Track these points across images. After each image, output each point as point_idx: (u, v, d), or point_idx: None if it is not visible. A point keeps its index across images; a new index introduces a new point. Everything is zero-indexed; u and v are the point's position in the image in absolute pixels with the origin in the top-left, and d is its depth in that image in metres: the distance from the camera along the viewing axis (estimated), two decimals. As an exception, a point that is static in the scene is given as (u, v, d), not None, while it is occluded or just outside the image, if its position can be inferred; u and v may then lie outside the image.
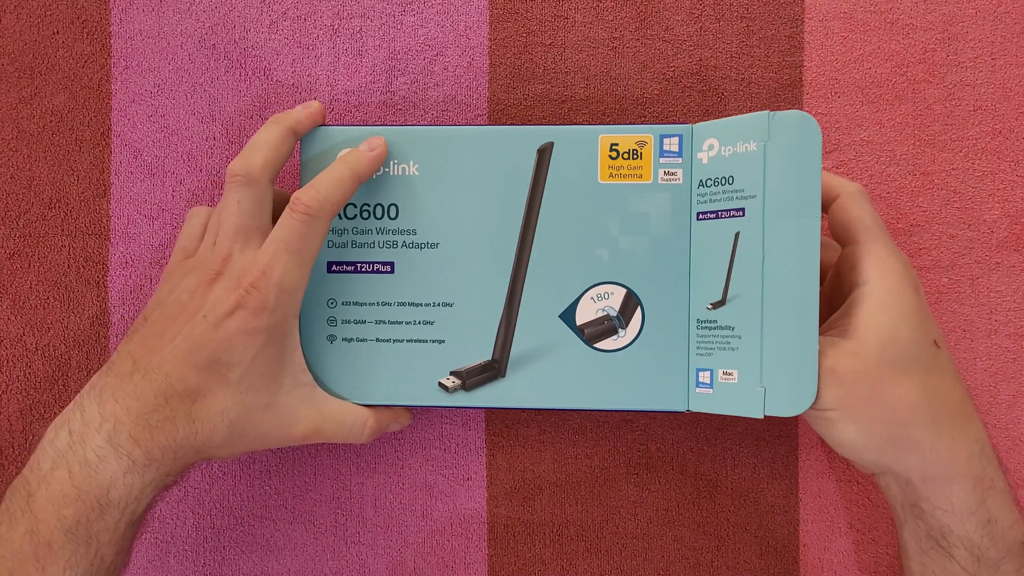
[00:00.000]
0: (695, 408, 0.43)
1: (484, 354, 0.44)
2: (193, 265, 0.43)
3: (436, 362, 0.44)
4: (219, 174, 0.49)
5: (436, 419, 0.49)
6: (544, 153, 0.44)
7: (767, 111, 0.41)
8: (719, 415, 0.49)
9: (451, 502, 0.50)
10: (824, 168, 0.49)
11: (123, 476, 0.39)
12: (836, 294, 0.43)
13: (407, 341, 0.44)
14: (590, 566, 0.50)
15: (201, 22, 0.49)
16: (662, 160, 0.43)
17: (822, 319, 0.43)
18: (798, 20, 0.49)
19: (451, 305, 0.44)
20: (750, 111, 0.49)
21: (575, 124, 0.47)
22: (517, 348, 0.44)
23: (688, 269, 0.43)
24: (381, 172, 0.44)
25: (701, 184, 0.43)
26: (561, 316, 0.44)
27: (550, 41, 0.49)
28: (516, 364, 0.44)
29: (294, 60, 0.49)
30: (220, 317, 0.40)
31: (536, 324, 0.44)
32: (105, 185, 0.49)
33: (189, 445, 0.40)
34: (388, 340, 0.44)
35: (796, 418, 0.49)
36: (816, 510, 0.49)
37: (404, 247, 0.44)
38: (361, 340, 0.44)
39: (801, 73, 0.49)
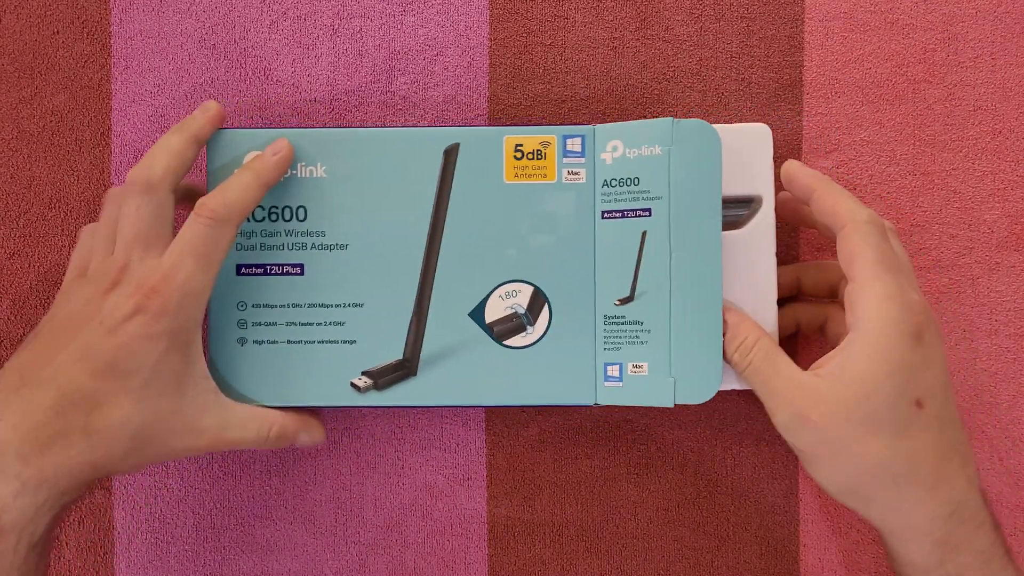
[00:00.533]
0: (603, 401, 0.44)
1: (395, 353, 0.45)
2: (88, 279, 0.41)
3: (348, 362, 0.44)
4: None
5: (436, 419, 0.49)
6: (450, 154, 0.44)
7: (671, 118, 0.44)
8: (719, 415, 0.49)
9: (451, 502, 0.50)
10: (824, 168, 0.49)
11: (13, 500, 0.37)
12: (841, 328, 0.42)
13: (318, 342, 0.45)
14: (590, 566, 0.50)
15: (201, 22, 0.49)
16: (566, 160, 0.44)
17: (820, 348, 0.43)
18: (798, 20, 0.49)
19: (361, 306, 0.45)
20: (750, 111, 0.49)
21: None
22: (428, 347, 0.45)
23: (594, 266, 0.44)
24: (289, 174, 0.44)
25: (605, 184, 0.44)
26: (470, 315, 0.45)
27: (550, 41, 0.49)
28: (427, 363, 0.45)
29: (294, 60, 0.49)
30: (118, 321, 0.39)
31: (446, 323, 0.45)
32: (105, 185, 0.49)
33: (86, 461, 0.38)
34: (299, 342, 0.44)
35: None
36: (816, 510, 0.49)
37: (313, 249, 0.44)
38: (272, 342, 0.44)
39: (801, 73, 0.49)
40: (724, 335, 0.42)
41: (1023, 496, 0.49)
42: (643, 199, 0.43)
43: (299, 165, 0.44)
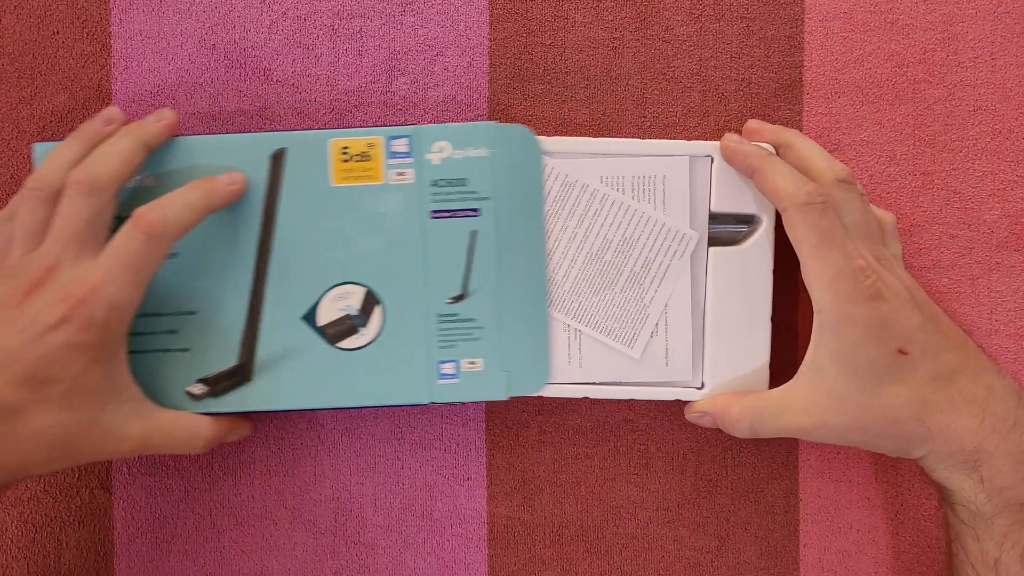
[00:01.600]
0: (439, 399, 0.45)
1: (230, 360, 0.45)
2: (5, 272, 0.40)
3: (183, 370, 0.45)
4: (219, 174, 0.49)
5: (436, 419, 0.49)
6: (277, 159, 0.45)
7: (495, 122, 0.45)
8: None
9: (451, 502, 0.50)
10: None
11: None
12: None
13: (152, 351, 0.45)
14: (590, 566, 0.50)
15: (201, 22, 0.49)
16: (392, 161, 0.45)
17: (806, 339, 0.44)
18: (798, 20, 0.49)
19: (194, 313, 0.45)
20: (750, 111, 0.49)
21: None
22: (262, 352, 0.45)
23: (425, 266, 0.45)
24: None
25: (434, 184, 0.45)
26: (303, 318, 0.45)
27: (550, 41, 0.49)
28: (262, 367, 0.45)
29: (294, 60, 0.49)
30: (42, 330, 0.38)
31: (280, 327, 0.45)
32: (105, 185, 0.49)
33: (2, 466, 0.38)
34: (132, 351, 0.44)
35: (796, 418, 0.49)
36: (816, 510, 0.49)
37: None
38: None
39: (801, 73, 0.49)
40: (710, 422, 0.45)
41: (1023, 496, 0.49)
42: (471, 199, 0.45)
43: None
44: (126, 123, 0.43)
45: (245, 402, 0.45)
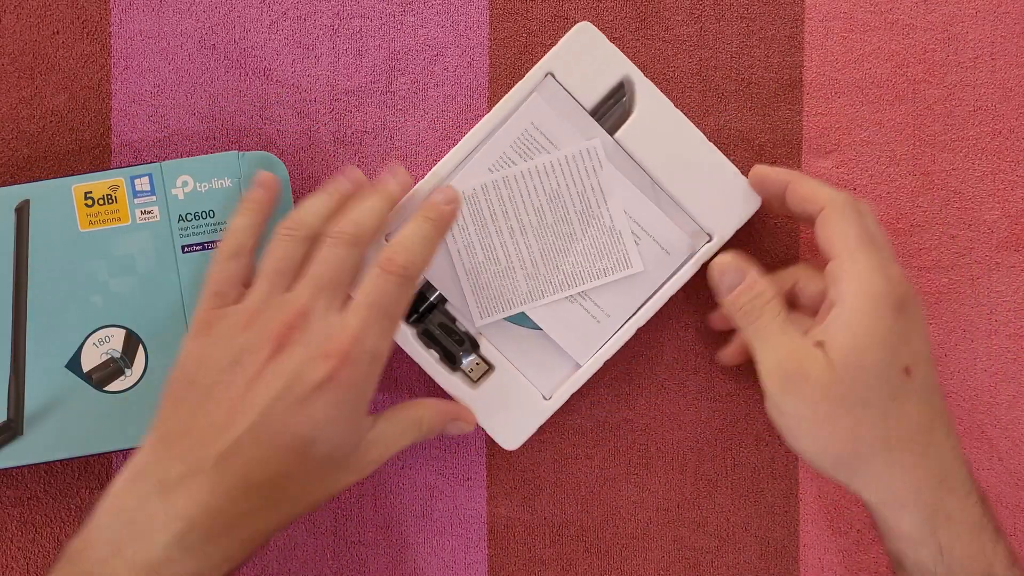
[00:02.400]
0: None
1: None
2: (246, 317, 0.39)
3: None
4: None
5: (436, 419, 0.49)
6: (22, 212, 0.45)
7: (236, 151, 0.45)
8: (719, 416, 0.49)
9: (451, 502, 0.50)
10: (825, 168, 0.49)
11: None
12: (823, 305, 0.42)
13: None
14: (590, 566, 0.50)
15: (201, 22, 0.49)
16: (137, 200, 0.45)
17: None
18: (798, 20, 0.49)
19: None
20: (750, 111, 0.49)
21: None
22: (31, 404, 0.45)
23: (182, 301, 0.45)
24: None
25: (181, 219, 0.45)
26: (67, 366, 0.45)
27: (550, 41, 0.49)
28: (33, 420, 0.45)
29: (294, 60, 0.49)
30: (307, 391, 0.36)
31: (45, 378, 0.45)
32: (105, 185, 0.49)
33: (269, 530, 0.38)
34: None
35: (796, 418, 0.49)
36: (816, 510, 0.49)
37: None
38: None
39: (801, 73, 0.49)
40: (726, 284, 0.42)
41: (1023, 496, 0.49)
42: (221, 230, 0.45)
43: None
44: (410, 182, 0.44)
45: (20, 456, 0.45)
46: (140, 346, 0.45)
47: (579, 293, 0.46)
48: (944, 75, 0.49)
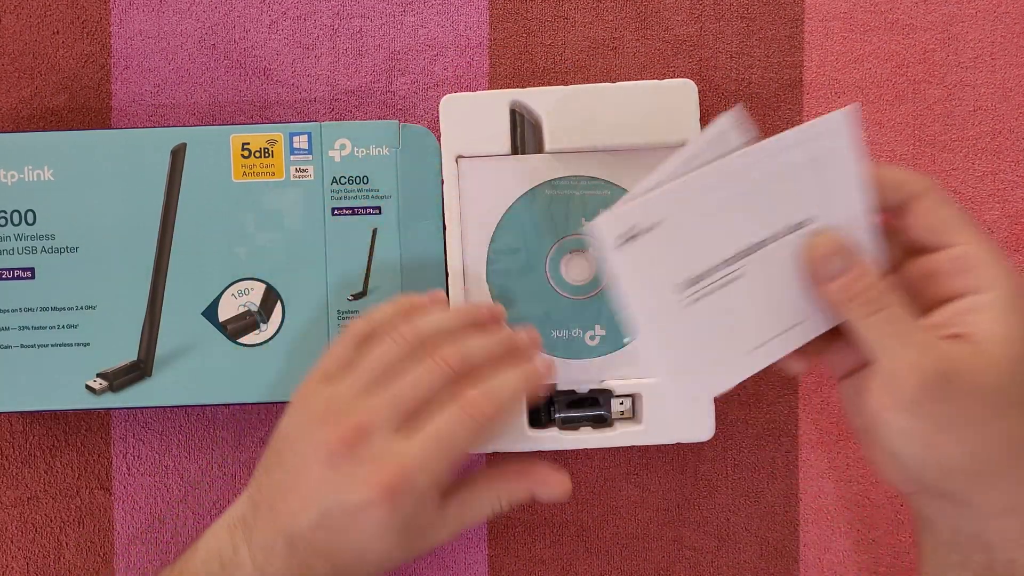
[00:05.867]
0: None
1: (130, 355, 0.45)
2: (331, 411, 0.39)
3: (82, 365, 0.45)
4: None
5: (436, 419, 0.49)
6: (177, 154, 0.45)
7: (397, 120, 0.45)
8: (719, 416, 0.49)
9: (451, 502, 0.50)
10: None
11: None
12: (918, 297, 0.37)
13: (52, 346, 0.45)
14: (590, 566, 0.50)
15: (201, 22, 0.49)
16: (293, 158, 0.45)
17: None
18: (798, 20, 0.49)
19: (94, 308, 0.45)
20: (750, 111, 0.49)
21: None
22: (162, 347, 0.45)
23: (325, 263, 0.45)
24: (16, 178, 0.44)
25: (335, 181, 0.45)
26: (203, 313, 0.45)
27: (550, 41, 0.49)
28: (162, 363, 0.45)
29: (294, 60, 0.49)
30: (353, 511, 0.37)
31: (180, 322, 0.45)
32: (105, 185, 0.49)
33: None
34: (33, 346, 0.45)
35: (796, 418, 0.49)
36: (816, 510, 0.49)
37: (44, 252, 0.45)
38: (5, 347, 0.45)
39: (801, 73, 0.49)
40: (831, 270, 0.36)
41: None
42: (373, 197, 0.45)
43: (26, 168, 0.44)
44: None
45: (145, 397, 0.45)
46: (278, 302, 0.45)
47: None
48: (944, 75, 0.49)
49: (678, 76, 0.49)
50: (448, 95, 0.45)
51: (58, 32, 0.49)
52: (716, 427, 0.49)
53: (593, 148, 0.45)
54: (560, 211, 0.45)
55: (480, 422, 0.38)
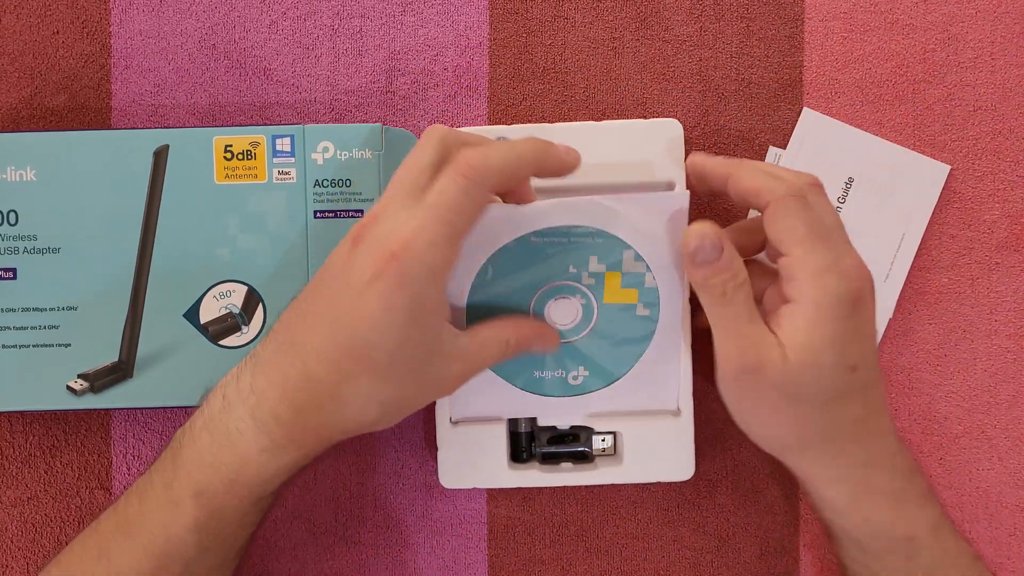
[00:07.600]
0: None
1: (111, 356, 0.45)
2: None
3: (63, 366, 0.45)
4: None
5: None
6: (160, 156, 0.45)
7: (380, 124, 0.45)
8: (719, 416, 0.49)
9: (451, 502, 0.50)
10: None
11: (257, 455, 0.38)
12: (772, 300, 0.42)
13: (33, 346, 0.45)
14: (590, 566, 0.50)
15: (201, 22, 0.49)
16: (276, 160, 0.45)
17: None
18: (798, 20, 0.49)
19: (75, 308, 0.45)
20: (750, 111, 0.49)
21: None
22: (144, 348, 0.45)
23: (307, 265, 0.45)
24: None
25: (317, 184, 0.45)
26: (185, 315, 0.45)
27: (550, 41, 0.49)
28: (143, 364, 0.45)
29: (294, 60, 0.49)
30: (359, 288, 0.36)
31: (161, 324, 0.45)
32: (105, 185, 0.49)
33: (335, 426, 0.39)
34: (14, 346, 0.45)
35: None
36: (816, 510, 0.50)
37: (26, 253, 0.45)
38: None
39: (801, 73, 0.49)
40: (700, 257, 0.40)
41: (1023, 496, 0.49)
42: (356, 200, 0.45)
43: (8, 169, 0.44)
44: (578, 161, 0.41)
45: (125, 399, 0.45)
46: (260, 305, 0.45)
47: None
48: (944, 75, 0.49)
49: (678, 76, 0.49)
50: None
51: (58, 32, 0.49)
52: (716, 426, 0.49)
53: (578, 187, 0.44)
54: (547, 257, 0.43)
55: (473, 179, 0.37)
